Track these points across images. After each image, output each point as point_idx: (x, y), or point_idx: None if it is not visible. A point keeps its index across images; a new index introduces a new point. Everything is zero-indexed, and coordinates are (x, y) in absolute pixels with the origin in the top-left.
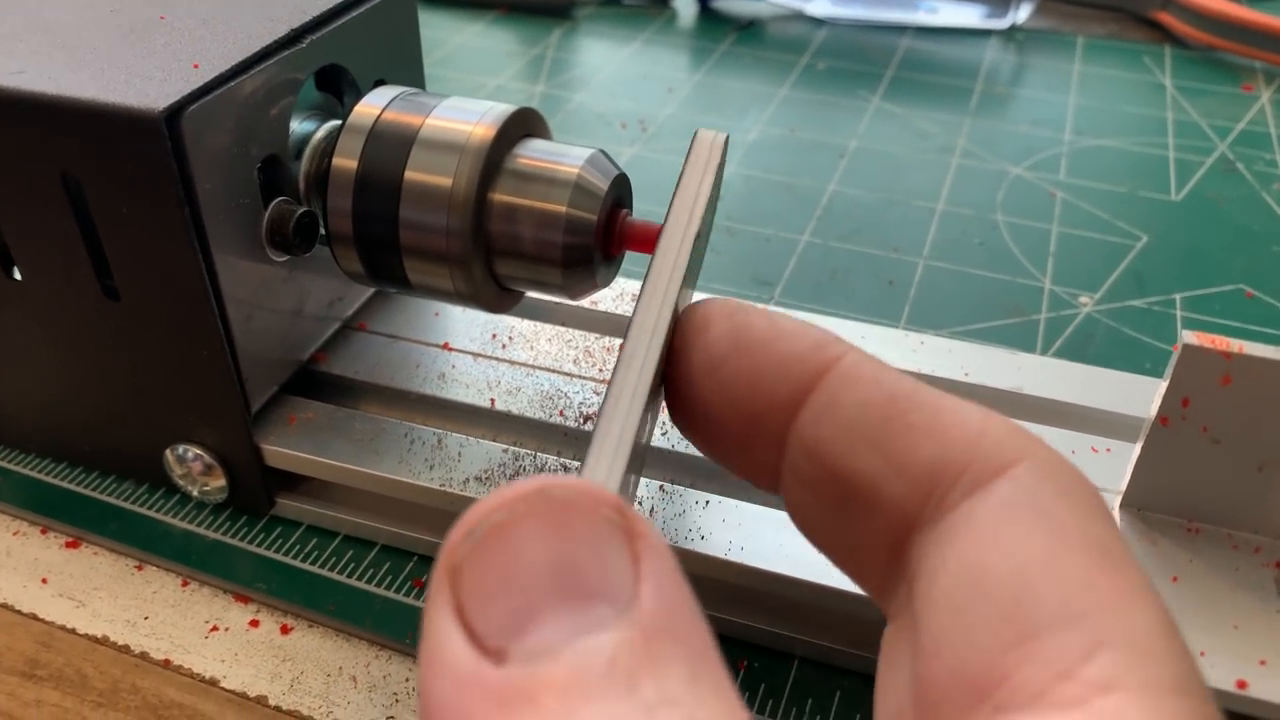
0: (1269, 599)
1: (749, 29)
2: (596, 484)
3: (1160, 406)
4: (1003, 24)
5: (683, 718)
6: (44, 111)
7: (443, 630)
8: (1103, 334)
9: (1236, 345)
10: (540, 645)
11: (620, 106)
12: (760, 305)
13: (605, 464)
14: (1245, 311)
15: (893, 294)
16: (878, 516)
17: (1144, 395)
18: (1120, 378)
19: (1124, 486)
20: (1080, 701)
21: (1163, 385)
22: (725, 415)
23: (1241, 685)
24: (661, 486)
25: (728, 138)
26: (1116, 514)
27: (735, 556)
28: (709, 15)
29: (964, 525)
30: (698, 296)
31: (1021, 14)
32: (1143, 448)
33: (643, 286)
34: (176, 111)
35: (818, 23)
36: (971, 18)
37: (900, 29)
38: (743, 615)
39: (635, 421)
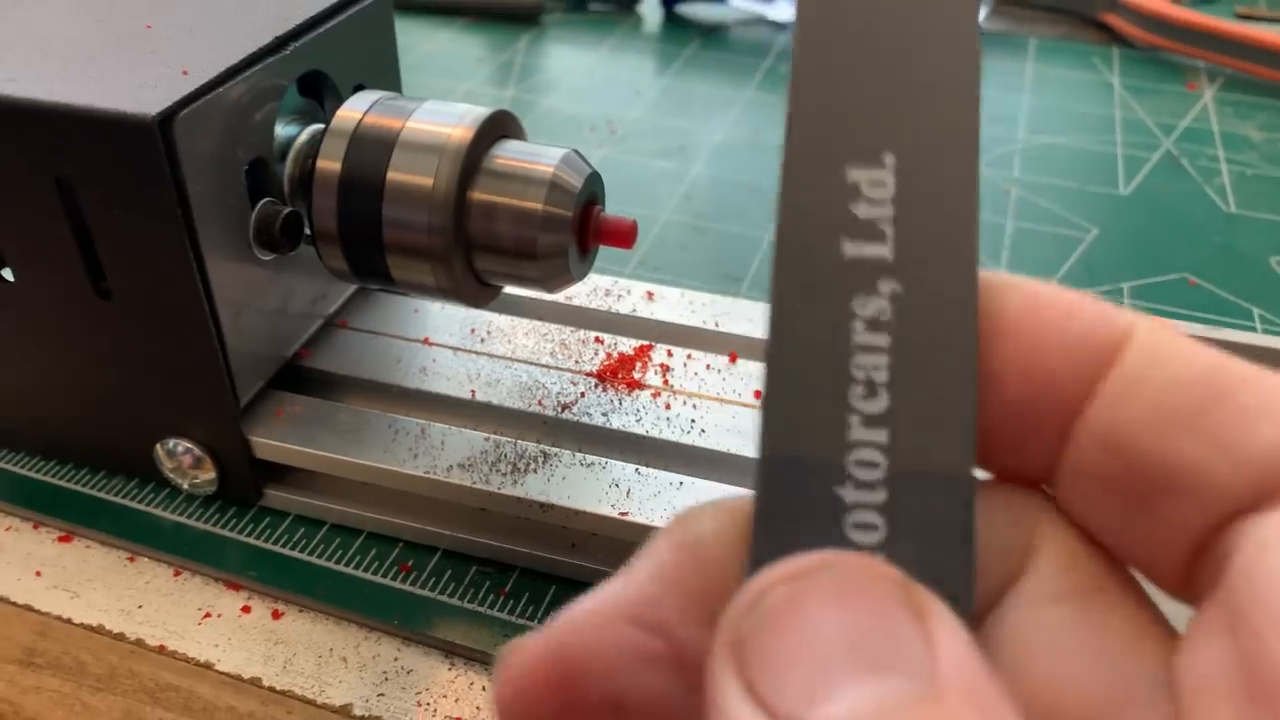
0: None
1: (713, 34)
2: (880, 559)
3: None
4: None
5: None
6: (39, 118)
7: (732, 703)
8: None
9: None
10: (839, 715)
11: (589, 110)
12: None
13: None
14: (1189, 298)
15: None
16: (1192, 506)
17: None
18: None
19: None
20: None
21: None
22: (1004, 397)
23: None
24: (637, 469)
25: None
26: None
27: None
28: (674, 20)
29: None
30: None
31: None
32: None
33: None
34: (169, 116)
35: (780, 27)
36: None
37: None
38: None
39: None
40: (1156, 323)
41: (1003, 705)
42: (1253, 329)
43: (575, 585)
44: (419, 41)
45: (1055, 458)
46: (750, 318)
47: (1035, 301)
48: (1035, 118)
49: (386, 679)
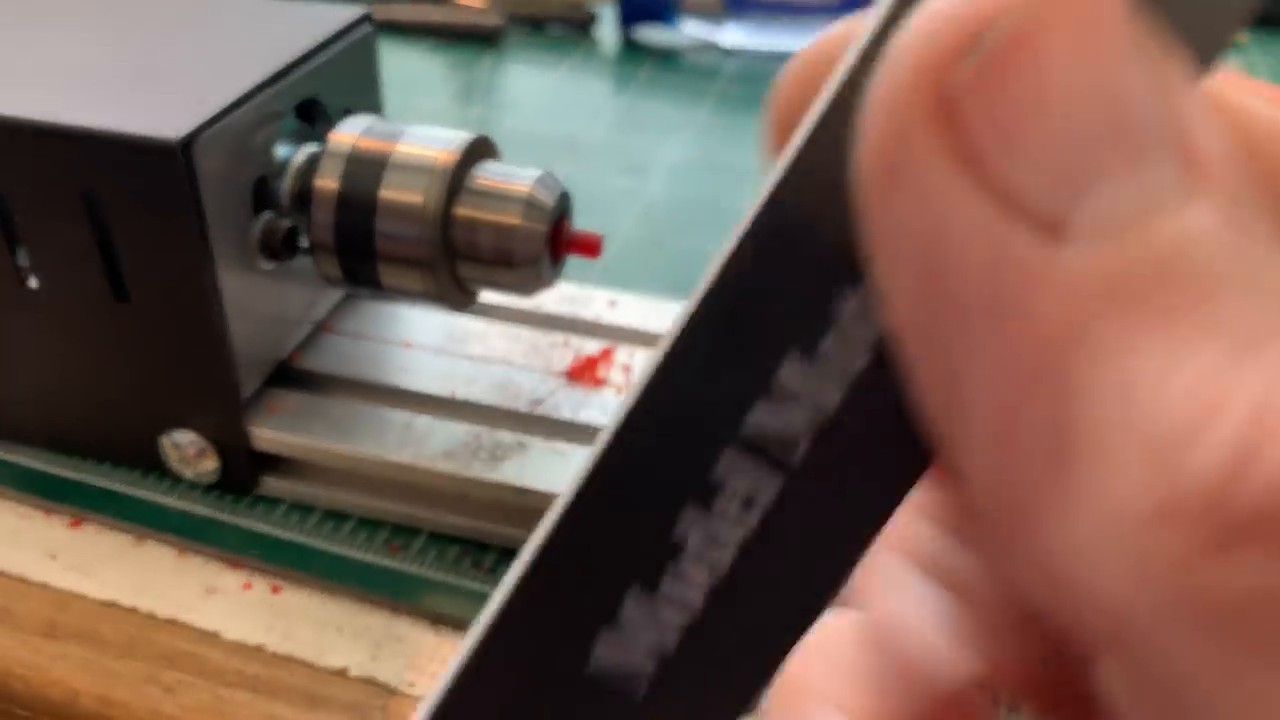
0: None
1: (666, 57)
2: None
3: None
4: None
5: None
6: (69, 139)
7: (956, 193)
8: None
9: None
10: (1110, 214)
11: (550, 129)
12: None
13: None
14: None
15: None
16: None
17: None
18: None
19: None
20: None
21: None
22: None
23: None
24: None
25: None
26: None
27: None
28: (629, 44)
29: None
30: None
31: None
32: None
33: None
34: (190, 140)
35: (731, 52)
36: None
37: None
38: None
39: None
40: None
41: (1261, 214)
42: None
43: None
44: (383, 61)
45: None
46: None
47: None
48: None
49: (379, 645)
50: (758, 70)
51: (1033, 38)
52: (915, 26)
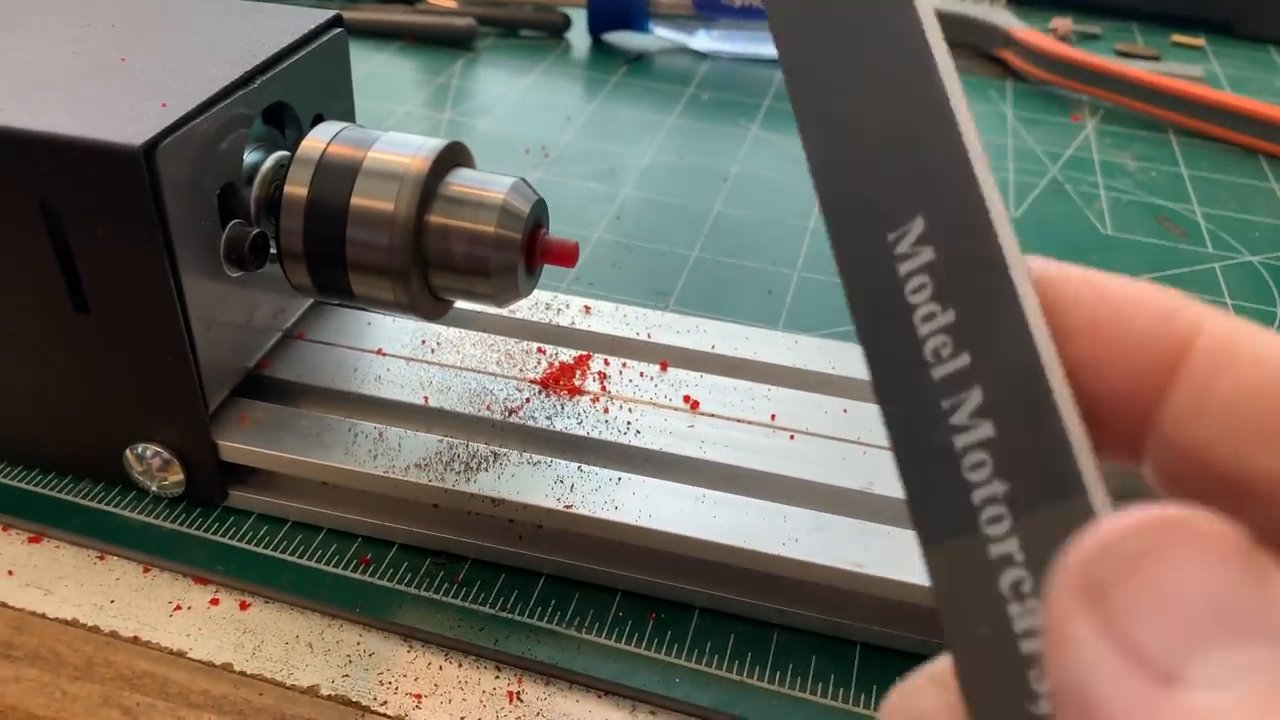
0: None
1: (638, 62)
2: (1233, 523)
3: None
4: None
5: None
6: (25, 145)
7: (1097, 651)
8: None
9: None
10: (1219, 671)
11: (522, 133)
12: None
13: (1101, 493)
14: None
15: (771, 301)
16: (1274, 514)
17: None
18: None
19: None
20: None
21: None
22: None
23: None
24: (579, 467)
25: None
26: None
27: (644, 523)
28: (601, 48)
29: None
30: None
31: None
32: None
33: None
34: (152, 146)
35: (701, 56)
36: None
37: (776, 62)
38: (650, 574)
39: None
40: (1224, 319)
41: None
42: None
43: (523, 574)
44: (355, 63)
45: (1138, 451)
46: (678, 330)
47: (1094, 300)
48: None
49: (350, 661)
50: (729, 75)
51: (1154, 551)
52: (1081, 538)
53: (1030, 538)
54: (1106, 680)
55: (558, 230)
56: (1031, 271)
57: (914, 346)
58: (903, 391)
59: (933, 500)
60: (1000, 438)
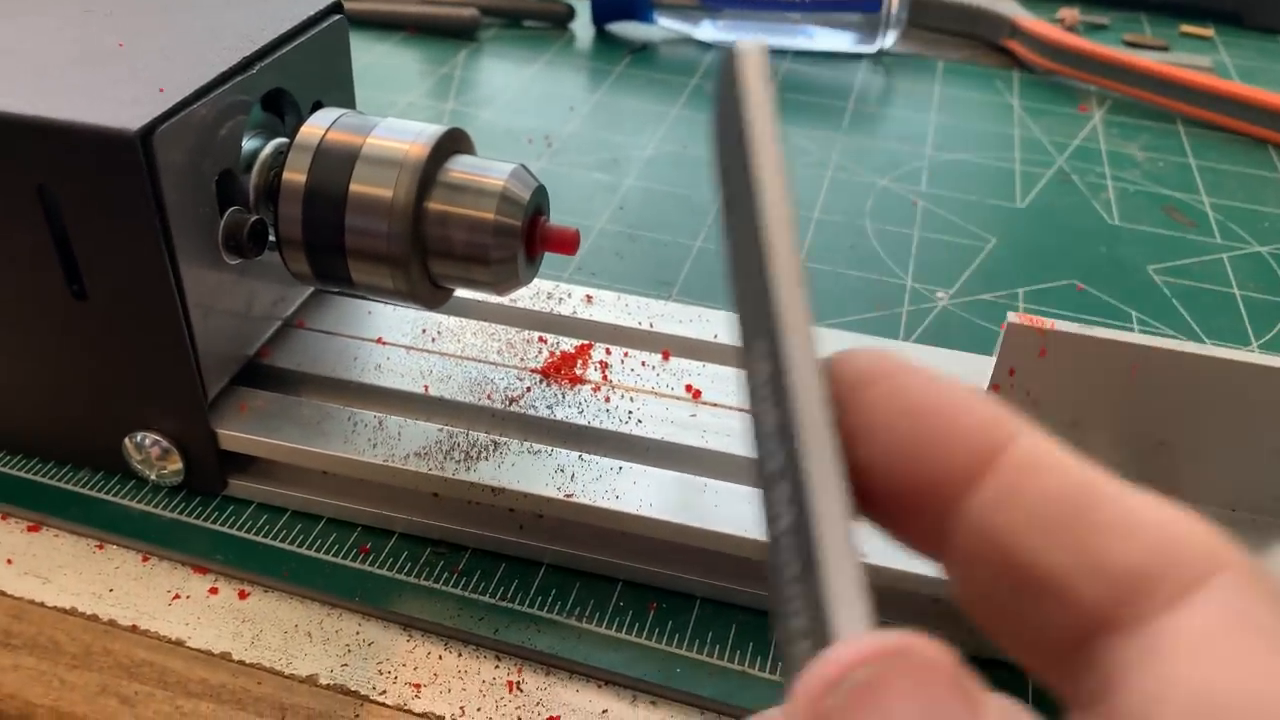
0: None
1: (642, 52)
2: (946, 649)
3: (992, 376)
4: (872, 49)
5: None
6: (21, 130)
7: None
8: (956, 324)
9: (1049, 323)
10: None
11: (526, 123)
12: (915, 361)
13: (853, 603)
14: (1076, 302)
15: None
16: (1064, 612)
17: (986, 371)
18: (966, 357)
19: None
20: None
21: (993, 358)
22: (881, 485)
23: None
24: (580, 456)
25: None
26: None
27: (645, 512)
28: (605, 39)
29: (1176, 642)
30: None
31: (889, 40)
32: None
33: (776, 345)
34: (149, 131)
35: (705, 46)
36: (844, 43)
37: (780, 53)
38: (651, 563)
39: (852, 528)
40: (1038, 433)
41: None
42: (1130, 329)
43: (523, 563)
44: (358, 54)
45: (941, 539)
46: (680, 319)
47: (898, 410)
48: (941, 135)
49: (349, 651)
50: None
51: (874, 685)
52: (811, 668)
53: (806, 625)
54: None
55: (559, 220)
56: (844, 371)
57: (763, 445)
58: (762, 480)
59: (770, 581)
60: (792, 525)
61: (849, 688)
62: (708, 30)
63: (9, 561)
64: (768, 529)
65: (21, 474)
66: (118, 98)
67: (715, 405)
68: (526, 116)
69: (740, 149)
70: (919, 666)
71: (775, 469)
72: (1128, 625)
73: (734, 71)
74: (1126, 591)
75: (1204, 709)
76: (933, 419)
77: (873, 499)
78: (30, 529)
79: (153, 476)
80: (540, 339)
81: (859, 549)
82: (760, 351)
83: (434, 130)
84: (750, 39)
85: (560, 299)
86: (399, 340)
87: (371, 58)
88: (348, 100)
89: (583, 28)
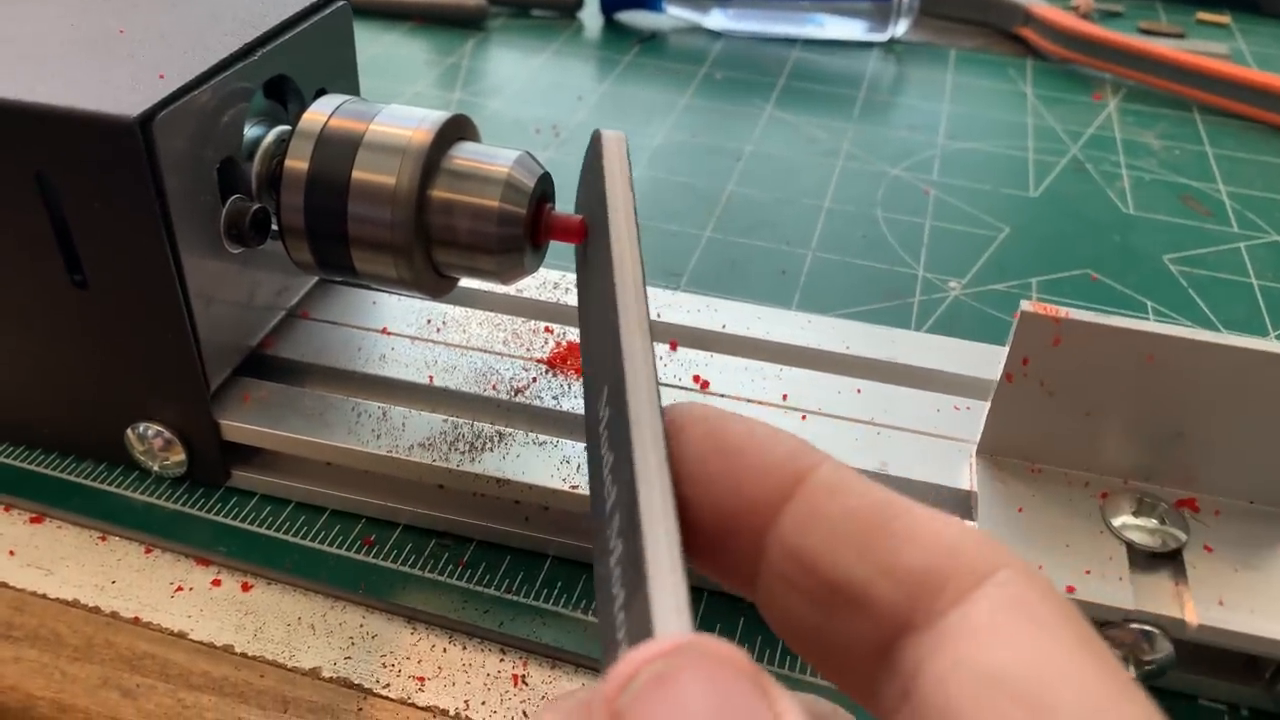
0: (1095, 523)
1: (651, 41)
2: (735, 646)
3: (1005, 365)
4: (883, 37)
5: None
6: (20, 117)
7: None
8: (968, 314)
9: (1063, 311)
10: None
11: (533, 113)
12: (734, 411)
13: (678, 611)
14: (1090, 292)
15: (785, 282)
16: (866, 620)
17: (999, 361)
18: (979, 347)
19: (979, 437)
20: None
21: (1006, 347)
22: (701, 517)
23: (1070, 590)
24: (585, 447)
25: (625, 137)
26: (974, 461)
27: None
28: (613, 28)
29: (963, 630)
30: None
31: (900, 28)
32: (992, 402)
33: (617, 358)
34: (149, 118)
35: (715, 35)
36: (855, 31)
37: (791, 41)
38: None
39: (680, 549)
40: (839, 463)
41: None
42: (1146, 320)
43: (529, 556)
44: (365, 44)
45: (755, 568)
46: (688, 309)
47: (713, 447)
48: (954, 124)
49: (353, 643)
50: (743, 54)
51: (664, 677)
52: (613, 669)
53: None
54: None
55: (568, 211)
56: (668, 420)
57: (598, 483)
58: (595, 519)
59: (599, 612)
60: (622, 556)
61: (644, 679)
62: (717, 19)
63: (11, 553)
64: (597, 563)
65: (24, 465)
66: (117, 84)
67: (723, 396)
68: (534, 106)
69: (601, 214)
70: (711, 660)
71: (610, 504)
72: (922, 624)
73: (599, 152)
74: (919, 591)
75: (987, 682)
76: (744, 454)
77: (697, 530)
78: (33, 520)
79: (155, 468)
80: (546, 329)
81: (684, 573)
82: (605, 396)
83: (437, 116)
84: (611, 130)
85: (567, 288)
86: (404, 330)
87: (379, 48)
88: (351, 87)
89: (591, 17)
